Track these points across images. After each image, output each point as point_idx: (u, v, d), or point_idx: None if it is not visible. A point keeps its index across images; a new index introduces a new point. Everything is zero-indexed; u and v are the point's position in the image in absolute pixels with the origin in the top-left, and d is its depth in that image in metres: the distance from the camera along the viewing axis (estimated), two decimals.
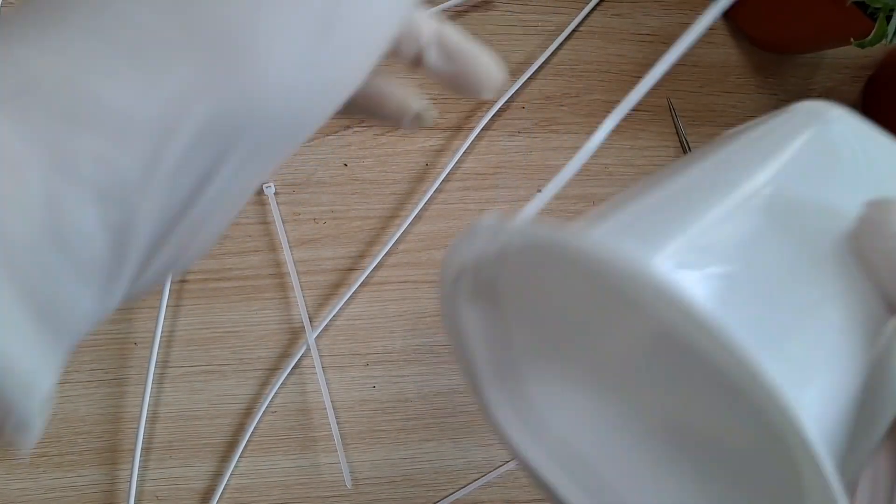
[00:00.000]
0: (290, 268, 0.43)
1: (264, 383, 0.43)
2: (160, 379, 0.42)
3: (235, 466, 0.42)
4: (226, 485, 0.42)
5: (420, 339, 0.45)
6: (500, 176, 0.46)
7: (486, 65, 0.21)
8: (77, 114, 0.14)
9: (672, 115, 0.48)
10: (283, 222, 0.43)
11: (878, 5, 0.40)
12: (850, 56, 0.52)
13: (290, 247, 0.43)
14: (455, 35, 0.21)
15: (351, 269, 0.44)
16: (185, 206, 0.15)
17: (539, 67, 0.47)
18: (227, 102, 0.15)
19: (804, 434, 0.14)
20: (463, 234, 0.19)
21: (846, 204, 0.19)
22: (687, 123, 0.49)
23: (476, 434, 0.45)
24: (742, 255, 0.17)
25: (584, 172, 0.46)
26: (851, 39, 0.40)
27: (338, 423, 0.43)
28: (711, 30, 0.50)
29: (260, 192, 0.43)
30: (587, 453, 0.22)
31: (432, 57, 0.21)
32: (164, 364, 0.42)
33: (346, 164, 0.45)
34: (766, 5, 0.48)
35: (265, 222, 0.44)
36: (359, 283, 0.44)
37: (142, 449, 0.41)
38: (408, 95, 0.23)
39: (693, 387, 0.18)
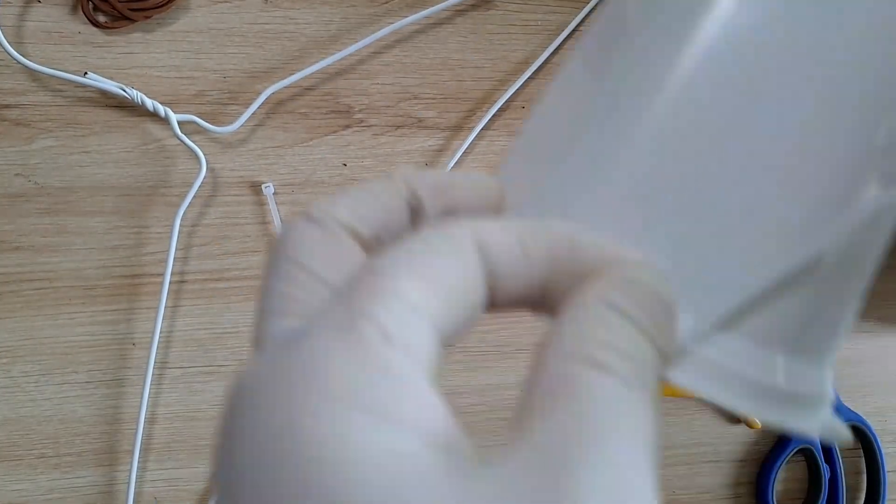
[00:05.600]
0: None
1: None
2: (158, 380, 0.42)
3: None
4: None
5: None
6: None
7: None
8: None
9: None
10: (282, 222, 0.43)
11: None
12: None
13: None
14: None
15: None
16: None
17: (539, 67, 0.47)
18: None
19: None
20: None
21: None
22: None
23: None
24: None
25: None
26: None
27: None
28: None
29: (259, 191, 0.43)
30: None
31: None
32: (162, 365, 0.42)
33: (345, 164, 0.44)
34: None
35: (264, 222, 0.43)
36: None
37: (140, 450, 0.41)
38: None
39: None
